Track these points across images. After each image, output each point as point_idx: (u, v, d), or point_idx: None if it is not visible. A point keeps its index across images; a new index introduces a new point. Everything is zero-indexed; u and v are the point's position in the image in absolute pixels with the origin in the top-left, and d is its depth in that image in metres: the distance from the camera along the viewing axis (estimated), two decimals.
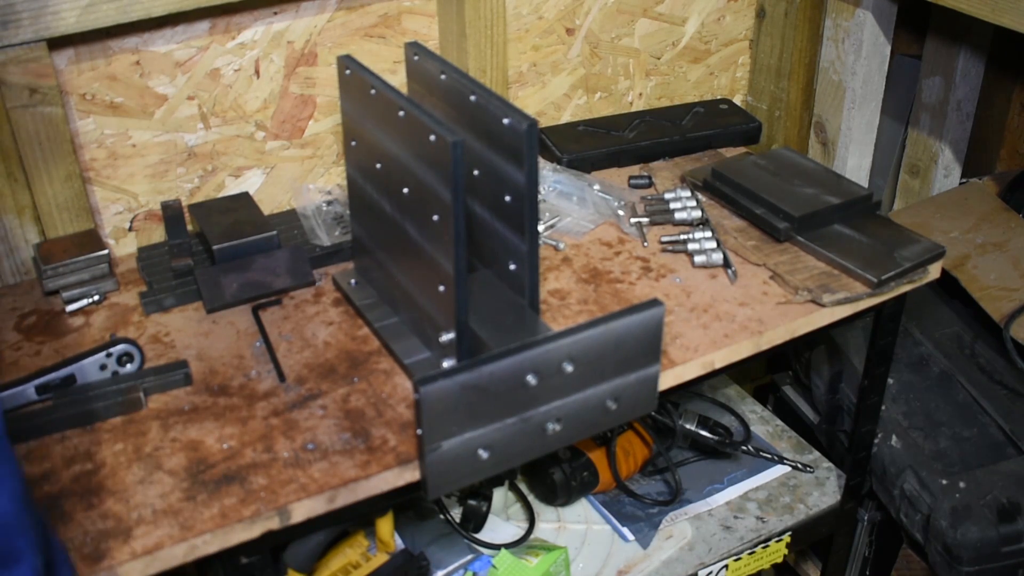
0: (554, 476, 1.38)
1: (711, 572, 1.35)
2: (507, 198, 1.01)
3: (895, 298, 1.22)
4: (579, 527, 1.40)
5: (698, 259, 1.21)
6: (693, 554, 1.35)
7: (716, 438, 1.46)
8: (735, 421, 1.58)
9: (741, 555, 1.36)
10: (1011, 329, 1.39)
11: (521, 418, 0.88)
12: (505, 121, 0.97)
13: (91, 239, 1.20)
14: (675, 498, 1.43)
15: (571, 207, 1.33)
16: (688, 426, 1.46)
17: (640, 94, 1.64)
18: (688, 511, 1.42)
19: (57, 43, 1.15)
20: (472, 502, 1.33)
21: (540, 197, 1.28)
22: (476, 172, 1.05)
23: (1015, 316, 1.40)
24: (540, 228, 1.24)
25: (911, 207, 1.65)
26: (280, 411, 0.99)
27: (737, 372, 1.38)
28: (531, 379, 0.87)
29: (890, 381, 1.40)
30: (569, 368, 0.89)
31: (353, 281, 1.18)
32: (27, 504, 0.63)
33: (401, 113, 0.96)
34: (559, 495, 1.39)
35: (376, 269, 1.14)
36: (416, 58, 1.10)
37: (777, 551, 1.40)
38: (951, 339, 1.50)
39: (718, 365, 1.09)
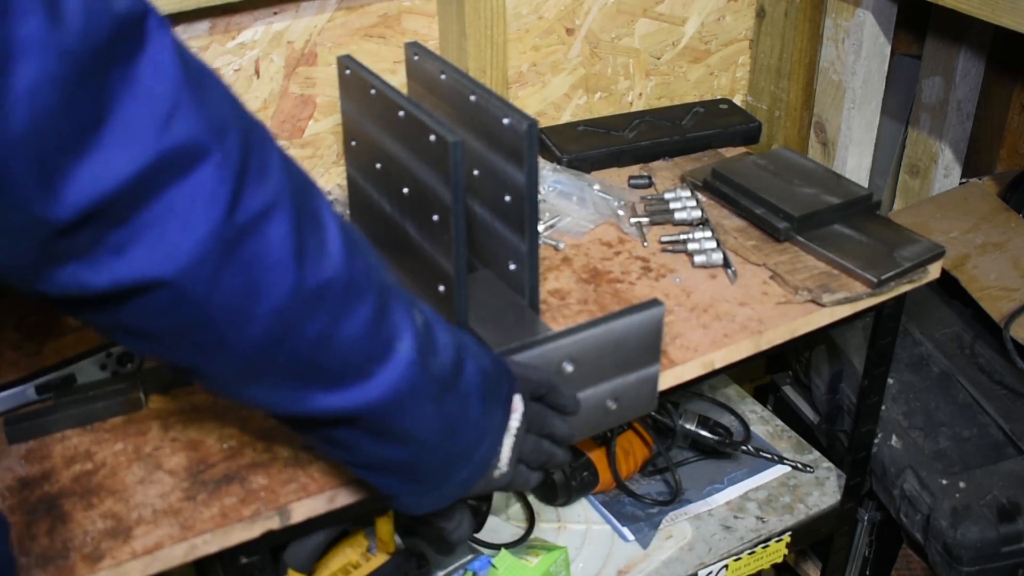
0: (554, 476, 1.38)
1: (711, 572, 1.35)
2: (507, 198, 1.01)
3: (895, 298, 1.22)
4: (579, 527, 1.40)
5: (698, 259, 1.21)
6: (693, 554, 1.35)
7: (716, 438, 1.46)
8: (735, 421, 1.58)
9: (741, 555, 1.36)
10: (1011, 329, 1.39)
11: None
12: (505, 121, 0.97)
13: None
14: (675, 498, 1.43)
15: (571, 207, 1.33)
16: (688, 426, 1.46)
17: (640, 94, 1.64)
18: (688, 511, 1.42)
19: None
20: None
21: (540, 197, 1.28)
22: (476, 172, 1.05)
23: (1015, 316, 1.40)
24: (540, 228, 1.24)
25: (911, 207, 1.64)
26: None
27: (737, 372, 1.38)
28: None
29: (890, 381, 1.40)
30: (569, 368, 0.89)
31: None
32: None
33: (401, 113, 0.96)
34: (559, 495, 1.39)
35: None
36: (416, 58, 1.10)
37: (777, 551, 1.40)
38: (951, 339, 1.50)
39: (718, 365, 1.09)
